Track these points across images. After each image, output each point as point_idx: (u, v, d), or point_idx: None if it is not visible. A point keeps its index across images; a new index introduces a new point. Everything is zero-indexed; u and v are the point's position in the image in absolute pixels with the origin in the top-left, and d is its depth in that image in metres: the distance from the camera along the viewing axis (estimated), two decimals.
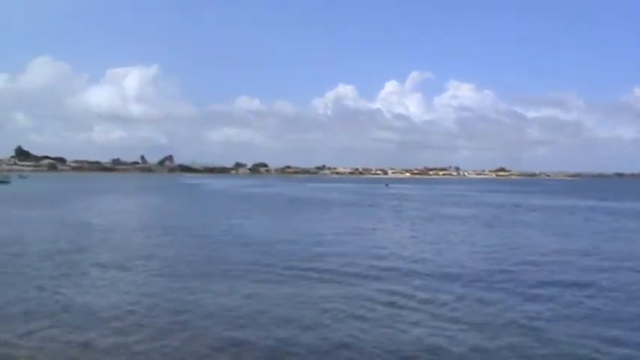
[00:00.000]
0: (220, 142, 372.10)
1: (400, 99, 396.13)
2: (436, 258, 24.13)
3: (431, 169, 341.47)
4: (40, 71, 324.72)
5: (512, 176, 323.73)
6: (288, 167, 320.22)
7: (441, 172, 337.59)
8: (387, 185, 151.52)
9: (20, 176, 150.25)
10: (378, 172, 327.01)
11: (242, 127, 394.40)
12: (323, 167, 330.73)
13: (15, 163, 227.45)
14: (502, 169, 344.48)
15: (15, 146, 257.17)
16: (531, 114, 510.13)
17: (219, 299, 15.90)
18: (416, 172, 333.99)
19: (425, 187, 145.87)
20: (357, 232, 34.18)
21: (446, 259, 23.88)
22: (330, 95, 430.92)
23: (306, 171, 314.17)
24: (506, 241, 30.76)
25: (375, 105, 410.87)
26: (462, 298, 16.33)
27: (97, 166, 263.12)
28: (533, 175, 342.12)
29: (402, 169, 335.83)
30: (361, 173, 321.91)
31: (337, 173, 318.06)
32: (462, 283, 18.39)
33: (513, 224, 41.14)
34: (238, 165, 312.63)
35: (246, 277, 19.00)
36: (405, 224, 40.81)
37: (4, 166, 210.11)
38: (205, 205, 60.21)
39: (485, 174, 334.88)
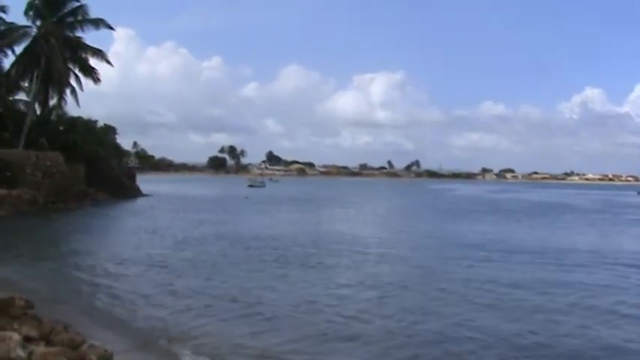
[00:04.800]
0: (466, 147, 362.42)
1: None
2: None
3: None
4: (290, 79, 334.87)
5: None
6: (535, 173, 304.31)
7: None
8: (639, 193, 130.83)
9: (271, 180, 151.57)
10: (629, 178, 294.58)
11: (487, 132, 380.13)
12: (571, 173, 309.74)
13: (266, 168, 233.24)
14: None
15: (266, 151, 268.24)
16: None
17: None
18: None
19: None
20: None
21: None
22: (577, 99, 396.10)
23: (553, 177, 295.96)
24: None
25: (624, 109, 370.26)
26: None
27: (344, 171, 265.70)
28: None
29: None
30: (611, 180, 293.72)
31: (586, 179, 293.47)
32: None
33: None
34: (484, 170, 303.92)
35: None
36: None
37: (256, 170, 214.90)
38: (449, 210, 58.95)
39: None
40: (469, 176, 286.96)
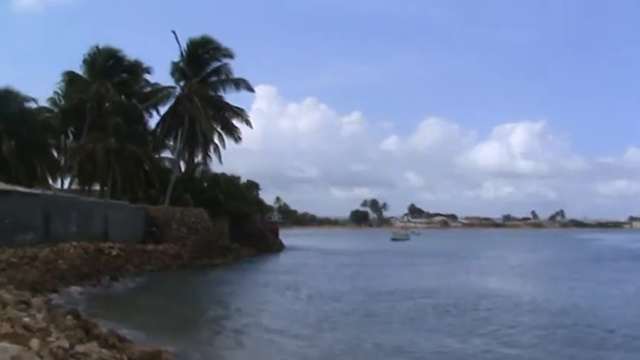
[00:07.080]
0: (612, 195, 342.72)
1: None
2: None
3: None
4: (429, 131, 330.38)
5: None
6: None
7: None
8: None
9: (413, 233, 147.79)
10: None
11: (634, 179, 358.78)
12: None
13: (408, 220, 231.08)
14: None
15: (408, 204, 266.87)
16: None
17: None
18: None
19: None
20: None
21: None
22: None
23: None
24: None
25: None
26: None
27: (487, 222, 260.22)
28: None
29: None
30: None
31: None
32: None
33: None
34: (632, 219, 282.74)
35: None
36: None
37: (398, 224, 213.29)
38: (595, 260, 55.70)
39: None
40: (616, 225, 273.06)
